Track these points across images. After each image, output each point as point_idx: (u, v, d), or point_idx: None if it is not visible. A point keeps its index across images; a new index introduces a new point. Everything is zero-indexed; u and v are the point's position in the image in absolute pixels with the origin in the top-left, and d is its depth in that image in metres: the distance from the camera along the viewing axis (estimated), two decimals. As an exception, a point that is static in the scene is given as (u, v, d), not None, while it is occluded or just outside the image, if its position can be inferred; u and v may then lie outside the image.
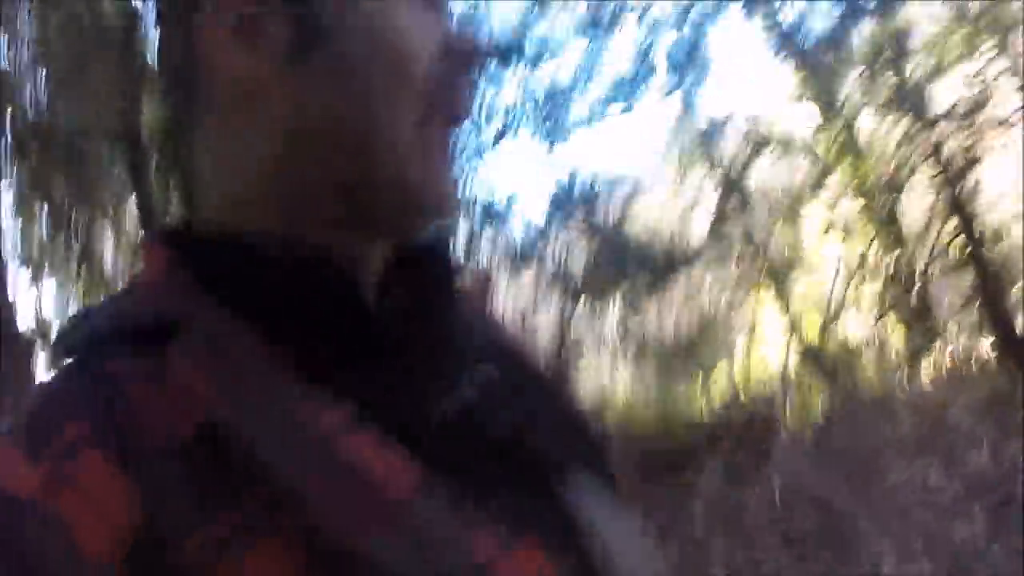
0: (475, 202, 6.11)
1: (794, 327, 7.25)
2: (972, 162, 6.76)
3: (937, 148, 6.70)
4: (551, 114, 5.72)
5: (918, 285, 7.51)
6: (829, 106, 7.02)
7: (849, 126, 6.92)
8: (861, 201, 7.19)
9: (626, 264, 6.21)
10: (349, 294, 0.56)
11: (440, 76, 0.58)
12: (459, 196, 0.55)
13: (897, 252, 7.41)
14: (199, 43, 0.57)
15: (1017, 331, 7.04)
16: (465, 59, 0.61)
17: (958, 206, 6.94)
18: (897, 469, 6.21)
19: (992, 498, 5.48)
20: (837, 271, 7.35)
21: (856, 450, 6.63)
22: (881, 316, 7.43)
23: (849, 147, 7.08)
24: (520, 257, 6.38)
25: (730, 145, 6.75)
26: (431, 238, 0.65)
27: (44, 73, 6.12)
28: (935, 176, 6.90)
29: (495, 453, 0.57)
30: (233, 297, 0.54)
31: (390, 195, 0.58)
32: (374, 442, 0.50)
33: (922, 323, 7.70)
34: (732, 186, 6.62)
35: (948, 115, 6.78)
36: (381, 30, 0.57)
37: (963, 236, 7.02)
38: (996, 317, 7.03)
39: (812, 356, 7.34)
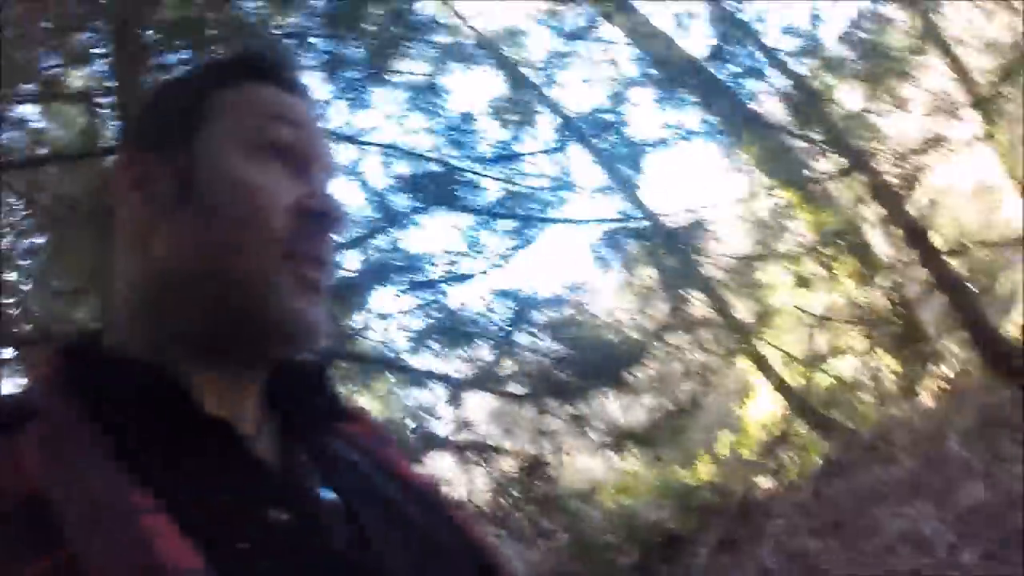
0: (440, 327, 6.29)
1: (779, 386, 7.22)
2: (911, 187, 6.68)
3: (877, 181, 6.60)
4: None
5: (898, 315, 7.39)
6: (776, 167, 7.01)
7: (796, 181, 6.88)
8: (825, 249, 7.14)
9: (593, 363, 6.29)
10: (181, 408, 0.64)
11: (299, 227, 0.69)
12: (321, 330, 0.64)
13: (871, 288, 7.31)
14: (110, 194, 0.73)
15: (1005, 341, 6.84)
16: (322, 216, 0.71)
17: (911, 233, 6.84)
18: (891, 519, 6.10)
19: (990, 536, 5.35)
20: (813, 320, 7.29)
21: (850, 501, 6.55)
22: (869, 352, 7.34)
23: (803, 200, 7.03)
24: (488, 372, 6.57)
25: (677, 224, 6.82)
26: (305, 366, 0.75)
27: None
28: (882, 208, 6.81)
29: (309, 569, 0.63)
30: (89, 398, 0.63)
31: (249, 329, 0.68)
32: (169, 526, 0.56)
33: (912, 350, 7.56)
34: (685, 263, 6.66)
35: (882, 147, 6.75)
36: (240, 186, 0.69)
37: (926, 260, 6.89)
38: (977, 332, 6.76)
39: (802, 410, 7.30)
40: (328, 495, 0.69)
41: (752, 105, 6.60)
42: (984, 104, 6.63)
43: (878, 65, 6.56)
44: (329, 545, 0.66)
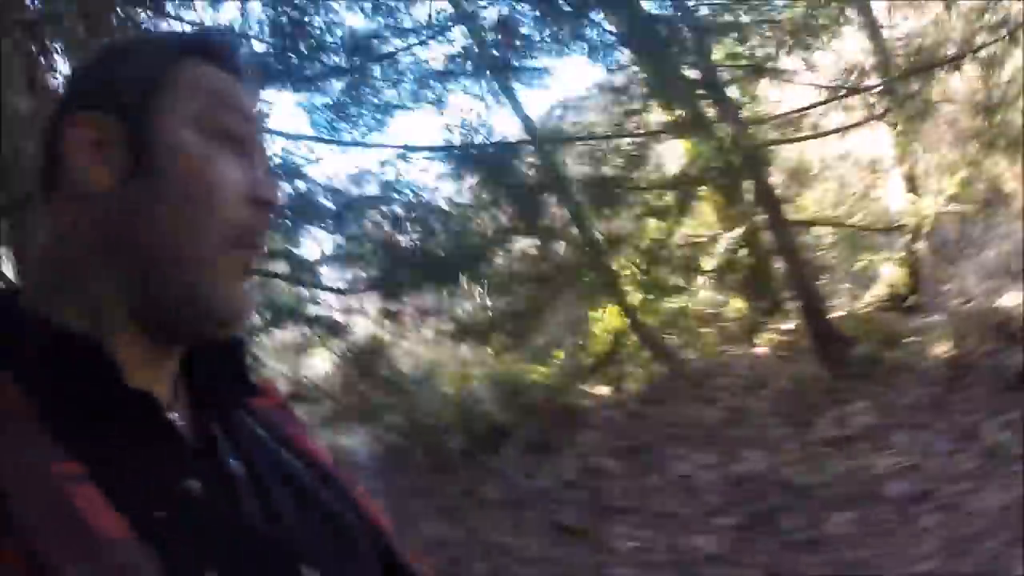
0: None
1: (624, 305, 7.33)
2: (765, 157, 6.53)
3: (736, 143, 6.38)
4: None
5: (748, 263, 7.44)
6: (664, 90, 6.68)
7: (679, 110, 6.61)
8: (694, 182, 7.04)
9: (440, 257, 6.29)
10: (102, 377, 0.63)
11: (245, 214, 0.69)
12: (248, 315, 0.71)
13: (731, 230, 7.29)
14: (63, 146, 0.68)
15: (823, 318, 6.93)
16: (267, 205, 0.72)
17: (764, 196, 6.73)
18: (677, 461, 6.41)
19: (753, 508, 5.54)
20: (669, 246, 7.30)
21: (654, 432, 6.85)
22: (718, 290, 7.43)
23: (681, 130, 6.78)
24: (340, 258, 6.61)
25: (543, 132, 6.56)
26: (226, 343, 0.74)
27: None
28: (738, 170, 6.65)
29: (221, 539, 0.63)
30: (9, 360, 0.62)
31: (185, 309, 0.67)
32: (95, 493, 0.57)
33: (758, 299, 7.68)
34: (547, 174, 6.48)
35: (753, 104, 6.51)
36: (202, 168, 0.68)
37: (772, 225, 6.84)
38: (807, 306, 6.90)
39: (641, 331, 7.45)
40: (238, 467, 0.70)
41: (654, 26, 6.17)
42: (891, 87, 6.34)
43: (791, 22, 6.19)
44: (240, 517, 0.67)
